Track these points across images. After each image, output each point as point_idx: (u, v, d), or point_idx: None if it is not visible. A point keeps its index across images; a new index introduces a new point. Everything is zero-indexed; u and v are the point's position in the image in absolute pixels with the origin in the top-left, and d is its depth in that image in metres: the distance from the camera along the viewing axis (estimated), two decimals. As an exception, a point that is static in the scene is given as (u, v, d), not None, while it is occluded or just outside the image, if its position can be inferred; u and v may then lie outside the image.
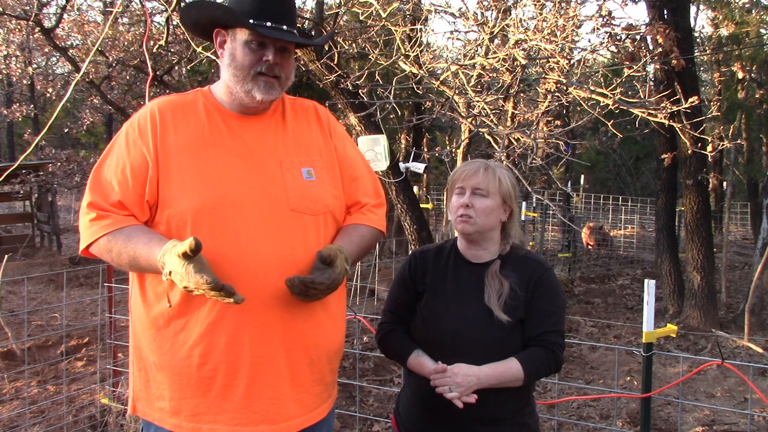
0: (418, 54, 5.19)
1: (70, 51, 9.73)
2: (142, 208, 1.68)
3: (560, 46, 4.92)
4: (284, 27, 1.72)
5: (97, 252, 1.70)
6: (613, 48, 5.56)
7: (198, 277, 1.50)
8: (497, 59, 5.06)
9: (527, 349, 1.88)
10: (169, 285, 1.66)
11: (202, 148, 1.72)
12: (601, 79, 5.34)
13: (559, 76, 5.13)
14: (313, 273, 1.67)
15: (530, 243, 10.09)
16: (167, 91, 8.73)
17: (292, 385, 1.73)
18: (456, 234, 2.03)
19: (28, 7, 8.48)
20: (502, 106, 5.45)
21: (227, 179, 1.69)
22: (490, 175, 1.93)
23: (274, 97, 1.76)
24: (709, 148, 6.46)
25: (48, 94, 12.37)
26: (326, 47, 5.36)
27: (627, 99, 4.98)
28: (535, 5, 5.32)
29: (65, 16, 9.51)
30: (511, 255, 1.97)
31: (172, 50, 9.04)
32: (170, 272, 1.55)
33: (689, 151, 6.76)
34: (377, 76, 5.62)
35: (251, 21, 1.69)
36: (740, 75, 14.09)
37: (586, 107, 5.47)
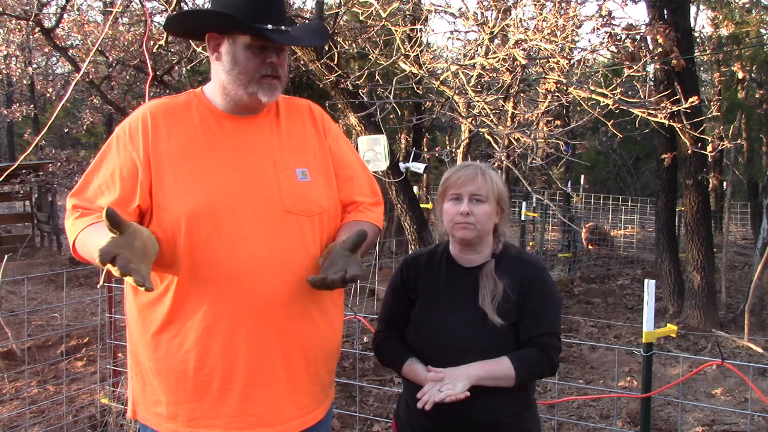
0: (418, 54, 5.19)
1: (70, 51, 9.71)
2: (127, 211, 1.64)
3: (560, 46, 4.92)
4: (282, 27, 1.71)
5: (79, 251, 1.66)
6: (613, 48, 5.56)
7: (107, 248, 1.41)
8: (497, 59, 5.07)
9: (521, 349, 1.86)
10: (165, 289, 1.67)
11: (196, 151, 1.70)
12: (601, 79, 5.34)
13: (559, 76, 5.13)
14: (326, 270, 1.64)
15: (530, 243, 10.09)
16: (167, 91, 8.72)
17: (289, 387, 1.72)
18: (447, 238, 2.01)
19: (28, 7, 8.45)
20: (502, 106, 5.45)
21: (221, 182, 1.68)
22: (487, 180, 1.90)
23: (276, 98, 1.75)
24: (709, 148, 6.45)
25: (48, 94, 12.34)
26: (326, 47, 5.36)
27: (627, 99, 4.98)
28: (535, 5, 5.32)
29: (65, 16, 9.49)
30: (504, 254, 1.95)
31: (172, 50, 9.05)
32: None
33: (689, 151, 6.75)
34: (377, 76, 5.61)
35: (254, 25, 1.67)
36: (740, 75, 14.08)
37: (586, 107, 5.47)
